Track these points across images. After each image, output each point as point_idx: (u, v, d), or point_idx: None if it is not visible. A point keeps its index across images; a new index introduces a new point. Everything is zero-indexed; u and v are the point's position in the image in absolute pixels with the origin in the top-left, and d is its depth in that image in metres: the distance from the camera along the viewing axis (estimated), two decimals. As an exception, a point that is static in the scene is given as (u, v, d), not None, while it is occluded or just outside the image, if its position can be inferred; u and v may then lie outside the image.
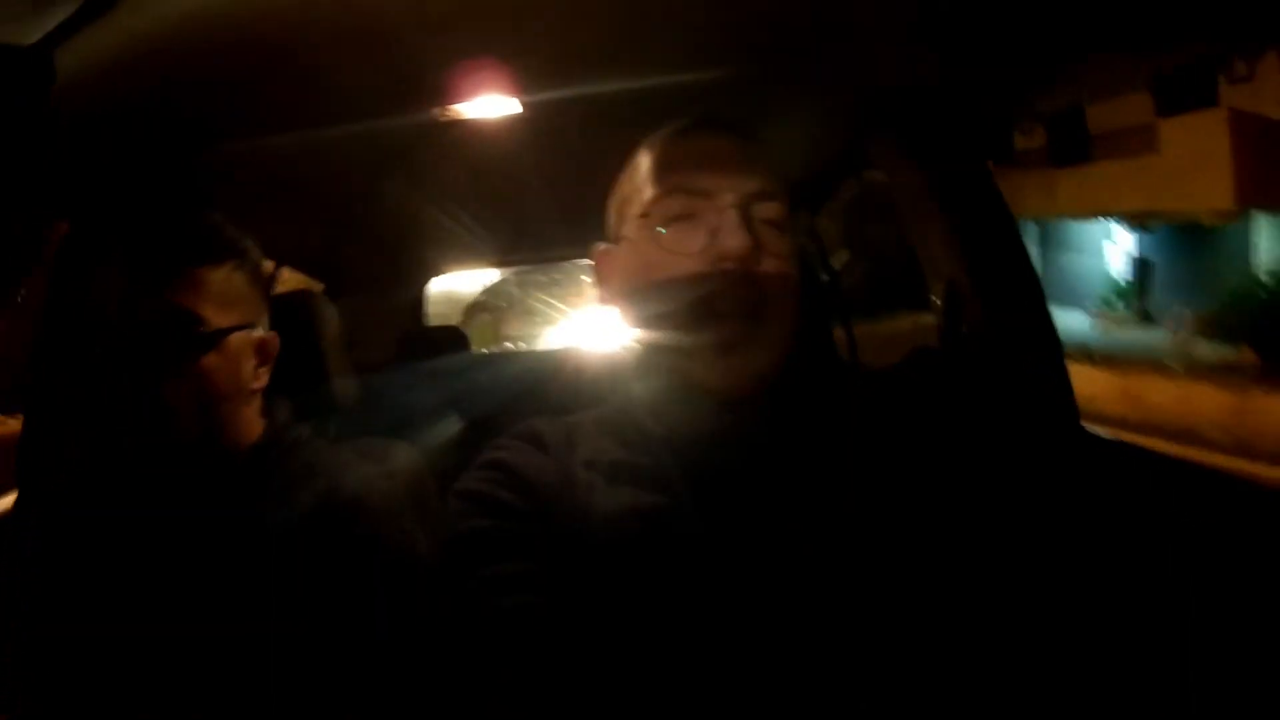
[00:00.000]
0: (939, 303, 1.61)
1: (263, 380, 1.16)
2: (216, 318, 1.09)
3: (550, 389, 1.67)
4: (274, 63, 1.12)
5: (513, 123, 1.48)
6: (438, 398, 1.81)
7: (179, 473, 1.09)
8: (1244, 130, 11.11)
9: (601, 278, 1.02)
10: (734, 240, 0.87)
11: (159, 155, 1.32)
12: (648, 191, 0.94)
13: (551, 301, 6.91)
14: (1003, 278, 1.51)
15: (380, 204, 2.05)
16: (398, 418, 1.48)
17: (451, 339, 2.73)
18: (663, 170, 0.94)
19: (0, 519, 1.27)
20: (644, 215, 0.94)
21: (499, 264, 3.61)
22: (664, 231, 0.91)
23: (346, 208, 2.06)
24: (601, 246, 1.03)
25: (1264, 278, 11.08)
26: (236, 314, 1.12)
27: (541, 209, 2.28)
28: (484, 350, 5.82)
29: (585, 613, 0.82)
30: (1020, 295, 1.50)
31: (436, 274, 3.18)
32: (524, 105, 1.40)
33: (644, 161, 0.98)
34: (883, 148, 1.72)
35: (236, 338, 1.11)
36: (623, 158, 1.03)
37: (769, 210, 0.91)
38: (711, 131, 0.96)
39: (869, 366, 1.99)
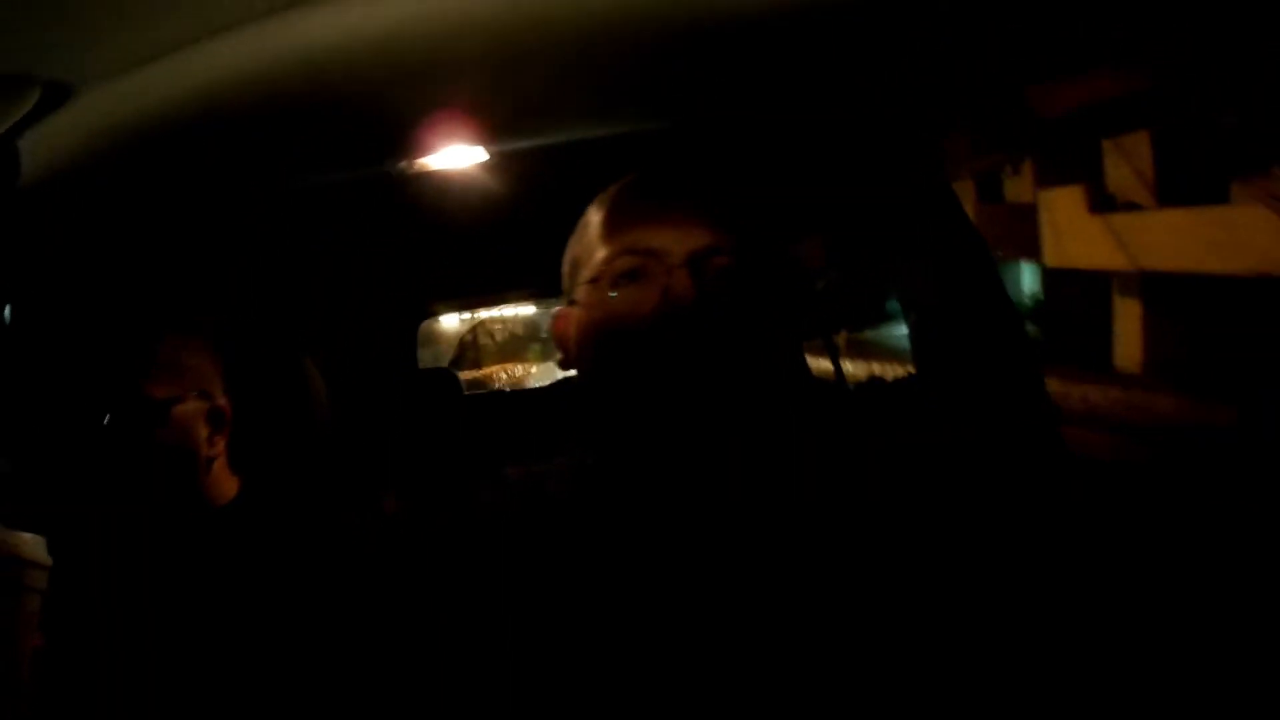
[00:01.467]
0: (913, 323, 1.64)
1: (217, 448, 1.17)
2: (161, 389, 1.11)
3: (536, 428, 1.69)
4: (240, 129, 1.14)
5: (485, 168, 1.51)
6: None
7: (151, 532, 1.10)
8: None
9: (559, 340, 1.03)
10: (682, 299, 0.87)
11: (122, 234, 1.34)
12: (597, 253, 0.94)
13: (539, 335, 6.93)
14: (975, 299, 1.54)
15: (362, 253, 2.08)
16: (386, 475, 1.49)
17: (443, 383, 2.74)
18: (610, 230, 0.94)
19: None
20: (594, 279, 0.94)
21: (482, 304, 3.64)
22: (614, 294, 0.91)
23: (326, 259, 2.08)
24: (557, 309, 1.04)
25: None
26: (184, 384, 1.13)
27: (520, 248, 2.31)
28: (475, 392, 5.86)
29: (546, 631, 0.84)
30: (992, 315, 1.52)
31: (422, 318, 3.19)
32: (491, 154, 1.44)
33: (592, 221, 0.98)
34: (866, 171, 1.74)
35: (183, 408, 1.13)
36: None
37: (719, 262, 0.90)
38: (659, 187, 0.97)
39: (850, 384, 2.01)
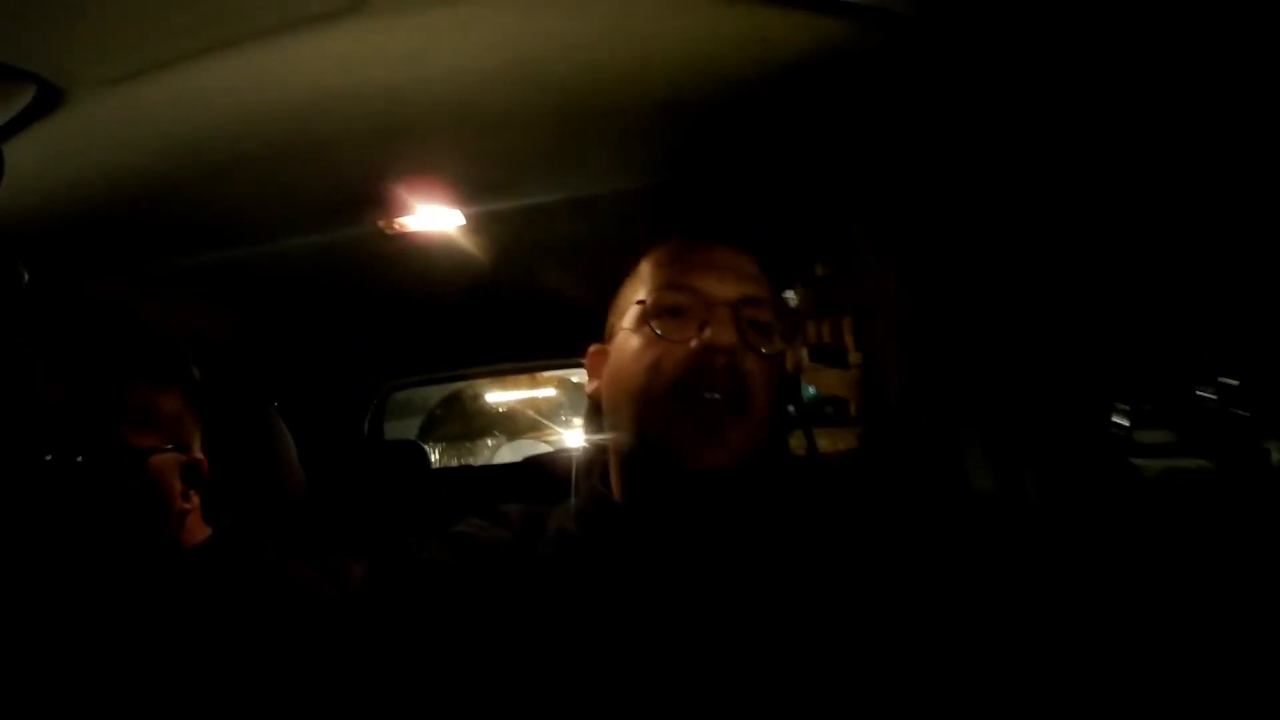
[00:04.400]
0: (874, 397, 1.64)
1: (192, 502, 1.15)
2: (139, 440, 1.09)
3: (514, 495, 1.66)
4: (223, 176, 1.14)
5: (460, 233, 1.51)
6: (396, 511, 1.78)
7: (120, 575, 1.08)
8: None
9: (592, 370, 1.06)
10: (722, 335, 0.92)
11: (96, 265, 1.33)
12: (647, 288, 0.99)
13: (508, 411, 6.89)
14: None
15: (332, 317, 2.06)
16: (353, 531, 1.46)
17: (410, 454, 2.71)
18: (663, 270, 1.00)
19: None
20: (640, 307, 0.98)
21: (454, 376, 3.62)
22: (656, 321, 0.95)
23: (298, 322, 2.06)
24: (594, 347, 1.07)
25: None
26: (161, 436, 1.12)
27: (494, 318, 2.30)
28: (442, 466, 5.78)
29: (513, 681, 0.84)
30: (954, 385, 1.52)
31: (392, 386, 3.16)
32: (468, 217, 1.43)
33: (646, 266, 1.03)
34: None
35: (158, 459, 1.11)
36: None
37: (758, 314, 0.96)
38: (713, 241, 1.02)
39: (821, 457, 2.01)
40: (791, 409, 1.89)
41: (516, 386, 6.68)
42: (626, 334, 0.99)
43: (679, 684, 0.83)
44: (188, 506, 1.14)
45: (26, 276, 1.19)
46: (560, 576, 0.90)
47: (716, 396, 0.90)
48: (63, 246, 1.26)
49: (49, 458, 1.05)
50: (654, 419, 0.92)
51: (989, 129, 1.24)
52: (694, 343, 0.92)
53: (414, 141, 1.16)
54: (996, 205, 1.37)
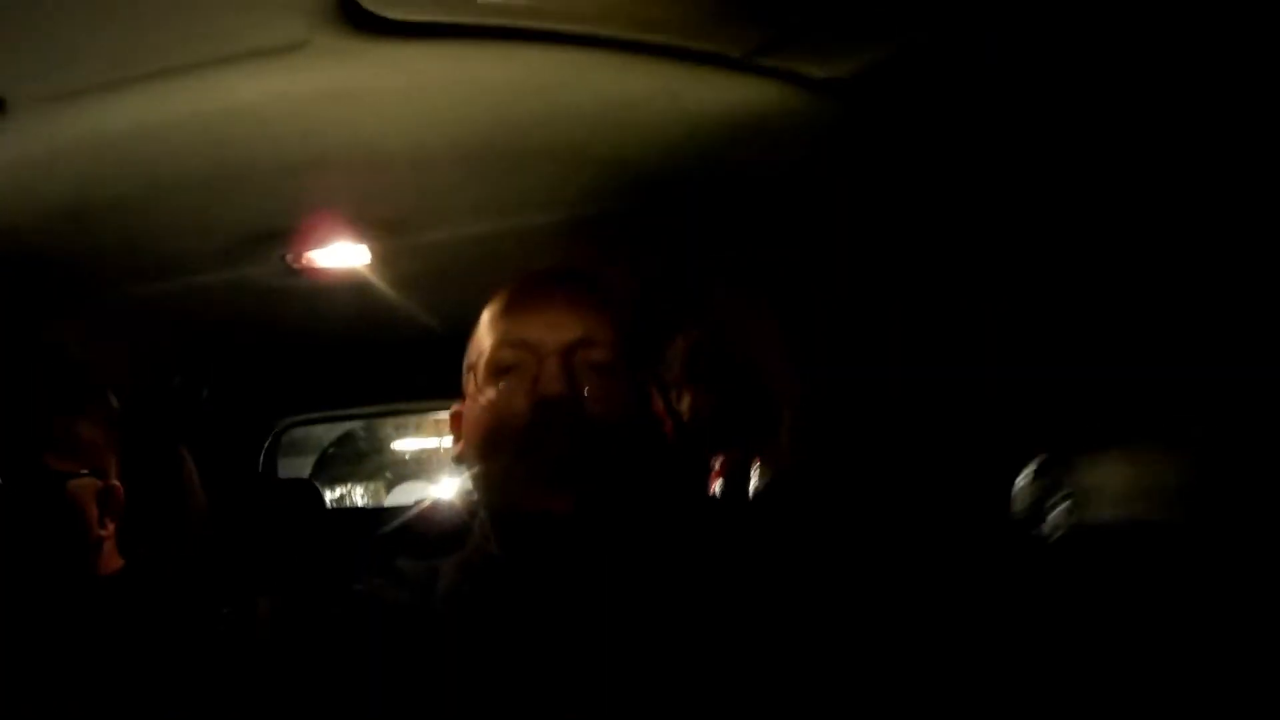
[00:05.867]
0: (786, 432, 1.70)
1: (109, 529, 1.14)
2: (58, 464, 1.08)
3: (408, 540, 1.66)
4: (143, 203, 1.14)
5: (365, 269, 1.53)
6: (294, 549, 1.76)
7: (34, 599, 1.06)
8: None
9: (455, 434, 1.07)
10: (551, 386, 0.93)
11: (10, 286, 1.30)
12: (484, 348, 1.00)
13: (404, 452, 6.77)
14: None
15: (232, 351, 2.04)
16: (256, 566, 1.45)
17: (303, 493, 2.66)
18: (495, 326, 1.00)
19: None
20: (475, 370, 1.00)
21: (351, 414, 3.57)
22: (491, 381, 0.97)
23: (200, 354, 2.03)
24: (454, 408, 1.08)
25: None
26: (80, 462, 1.10)
27: (392, 356, 2.30)
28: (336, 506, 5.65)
29: None
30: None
31: (288, 424, 3.10)
32: (372, 252, 1.45)
33: (484, 320, 1.04)
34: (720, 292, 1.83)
35: (77, 484, 1.09)
36: (476, 306, 1.08)
37: (593, 355, 0.96)
38: (542, 285, 1.03)
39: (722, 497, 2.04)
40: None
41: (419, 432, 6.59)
42: (472, 398, 1.01)
43: None
44: (104, 534, 1.13)
45: None
46: (452, 633, 0.92)
47: (557, 447, 0.91)
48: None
49: None
50: (501, 477, 0.94)
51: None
52: (527, 398, 0.94)
53: (326, 176, 1.17)
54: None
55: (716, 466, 1.89)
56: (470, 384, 1.02)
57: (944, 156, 1.28)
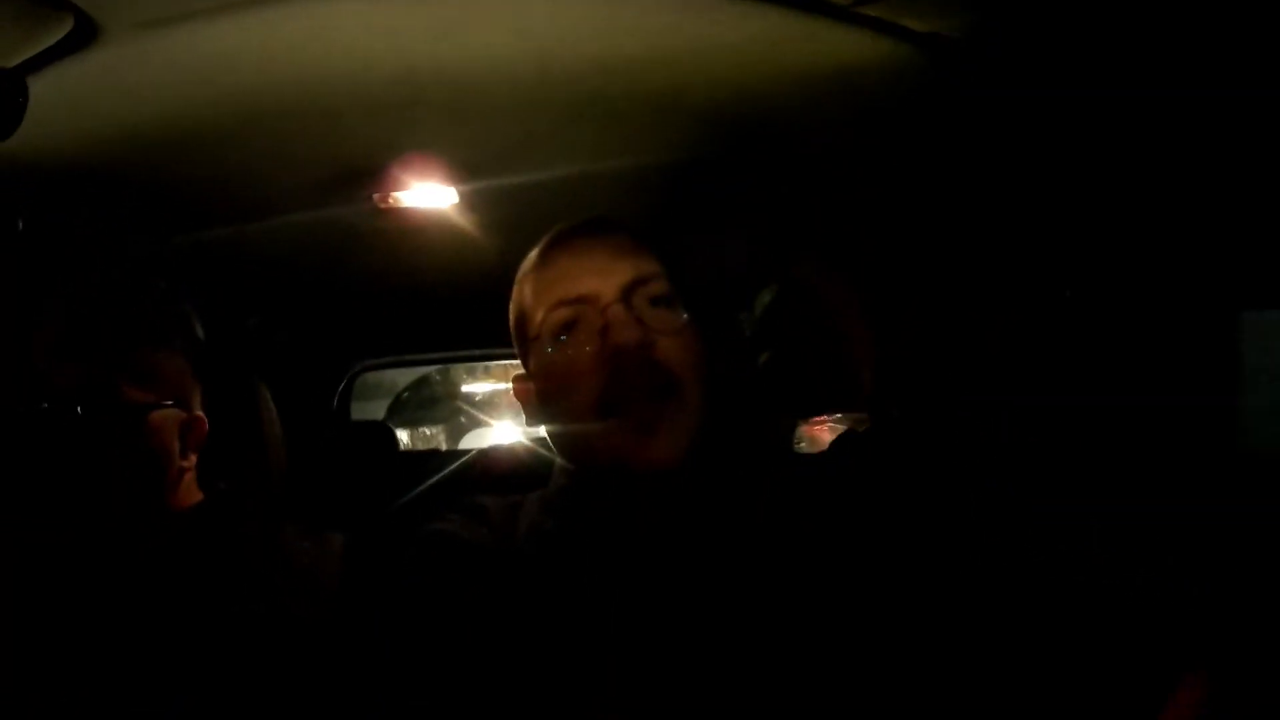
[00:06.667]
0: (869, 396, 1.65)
1: (190, 461, 1.14)
2: (138, 395, 1.07)
3: (482, 482, 1.66)
4: (231, 138, 1.13)
5: (453, 211, 1.50)
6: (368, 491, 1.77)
7: (115, 532, 1.07)
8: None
9: (522, 404, 1.05)
10: (622, 333, 0.90)
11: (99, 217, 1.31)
12: (533, 313, 0.97)
13: (476, 395, 6.85)
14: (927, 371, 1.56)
15: (311, 292, 2.05)
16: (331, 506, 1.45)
17: (378, 435, 2.69)
18: (540, 288, 0.98)
19: None
20: (535, 338, 0.97)
21: (428, 359, 3.59)
22: (556, 344, 0.94)
23: (279, 295, 2.04)
24: (516, 375, 1.07)
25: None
26: (161, 393, 1.10)
27: (473, 302, 2.29)
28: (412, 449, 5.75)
29: (499, 683, 0.85)
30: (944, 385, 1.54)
31: (364, 366, 3.13)
32: (460, 195, 1.43)
33: (524, 286, 1.01)
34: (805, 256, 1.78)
35: (160, 415, 1.09)
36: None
37: (651, 290, 0.94)
38: (577, 237, 1.00)
39: (799, 452, 2.01)
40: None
41: (489, 376, 6.65)
42: (535, 363, 0.98)
43: (655, 674, 0.83)
44: (186, 466, 1.13)
45: (21, 225, 1.17)
46: (540, 575, 0.91)
47: (642, 397, 0.90)
48: (67, 192, 1.24)
49: (45, 405, 1.03)
50: (589, 438, 0.93)
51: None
52: (599, 354, 0.91)
53: (419, 116, 1.15)
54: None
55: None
56: (532, 354, 0.99)
57: (1049, 129, 1.21)
